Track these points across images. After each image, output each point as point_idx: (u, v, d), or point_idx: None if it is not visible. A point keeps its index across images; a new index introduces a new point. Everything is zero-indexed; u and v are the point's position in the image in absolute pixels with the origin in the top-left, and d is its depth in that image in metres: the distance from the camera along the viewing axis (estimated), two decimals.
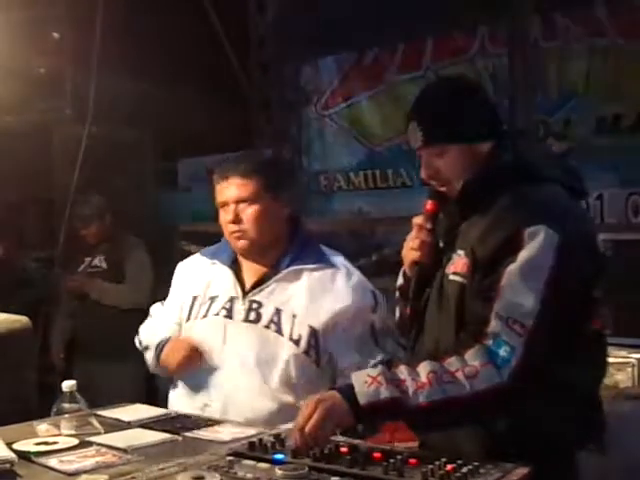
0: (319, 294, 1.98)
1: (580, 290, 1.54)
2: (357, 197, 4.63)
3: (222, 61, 4.60)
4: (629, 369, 2.98)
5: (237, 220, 1.98)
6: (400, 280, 1.79)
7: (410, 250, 1.69)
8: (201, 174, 4.99)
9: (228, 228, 2.01)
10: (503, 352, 1.46)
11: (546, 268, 1.47)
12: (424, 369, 1.49)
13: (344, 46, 4.55)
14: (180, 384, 2.11)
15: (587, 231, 1.60)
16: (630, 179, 3.61)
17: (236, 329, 2.00)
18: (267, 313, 1.98)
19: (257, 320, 1.98)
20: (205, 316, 2.05)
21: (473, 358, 1.47)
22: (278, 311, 1.97)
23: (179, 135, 4.62)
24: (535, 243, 1.48)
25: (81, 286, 3.84)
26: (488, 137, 1.63)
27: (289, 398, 1.96)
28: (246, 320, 1.99)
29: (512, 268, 1.48)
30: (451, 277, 1.60)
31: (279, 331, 1.97)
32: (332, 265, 2.02)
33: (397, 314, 1.83)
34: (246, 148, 4.66)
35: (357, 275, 2.03)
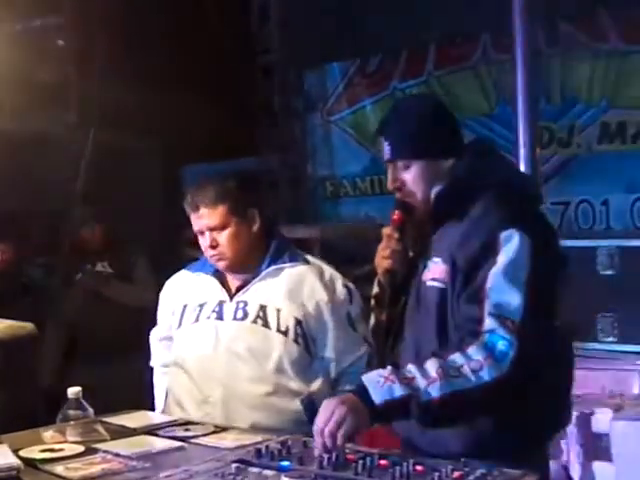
0: (298, 289, 2.14)
1: (551, 286, 1.67)
2: (363, 203, 4.63)
3: (227, 67, 4.61)
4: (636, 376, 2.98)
5: (214, 246, 2.13)
6: (375, 288, 1.88)
7: (382, 259, 1.80)
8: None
9: (207, 252, 2.16)
10: (501, 346, 1.56)
11: (523, 268, 1.60)
12: (432, 366, 1.56)
13: (348, 52, 4.56)
14: (178, 384, 2.18)
15: (551, 232, 1.75)
16: (635, 184, 3.61)
17: (226, 327, 2.13)
18: (253, 310, 2.13)
19: (244, 317, 2.13)
20: (197, 320, 2.18)
21: (475, 353, 1.56)
22: (262, 307, 2.12)
23: (184, 142, 4.63)
24: (511, 246, 1.61)
25: (99, 286, 3.85)
26: (451, 153, 1.76)
27: (284, 381, 2.09)
28: (234, 319, 2.14)
29: (494, 271, 1.61)
30: (429, 283, 1.71)
31: (266, 325, 2.11)
32: (307, 262, 2.19)
33: (372, 321, 1.92)
34: (251, 154, 4.67)
35: (329, 270, 2.19)
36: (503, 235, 1.62)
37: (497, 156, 1.84)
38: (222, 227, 2.11)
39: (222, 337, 2.12)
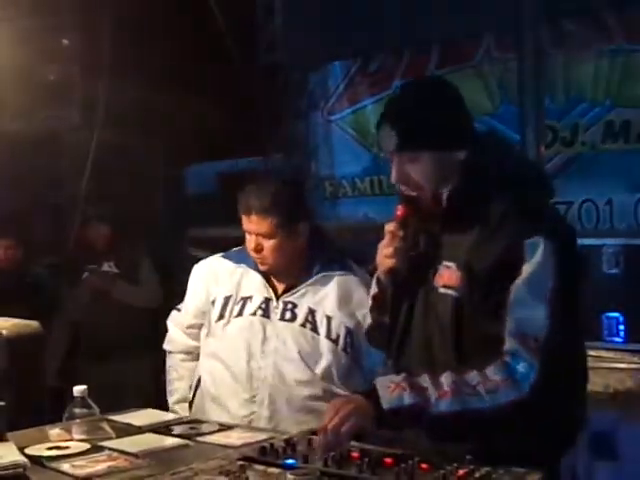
0: (348, 299, 2.15)
1: (576, 296, 1.57)
2: (362, 203, 4.62)
3: (230, 67, 4.61)
4: None
5: (257, 250, 2.15)
6: (374, 289, 1.78)
7: (385, 258, 1.68)
8: (210, 180, 5.00)
9: (251, 253, 2.17)
10: (522, 368, 1.48)
11: (550, 280, 1.49)
12: (446, 379, 1.51)
13: (350, 52, 4.55)
14: (218, 380, 2.17)
15: (573, 234, 1.62)
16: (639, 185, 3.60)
17: (274, 327, 2.14)
18: (302, 313, 2.14)
19: (293, 319, 2.14)
20: (240, 314, 2.18)
21: (493, 373, 1.49)
22: (312, 311, 2.14)
23: (188, 141, 4.64)
24: (537, 256, 1.49)
25: (105, 286, 3.86)
26: (463, 145, 1.60)
27: (331, 386, 2.11)
28: (282, 319, 2.15)
29: (519, 283, 1.50)
30: (441, 290, 1.61)
31: (315, 329, 2.13)
32: (355, 273, 2.19)
33: (368, 323, 1.85)
34: (254, 154, 4.67)
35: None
36: (528, 243, 1.50)
37: (510, 149, 1.73)
38: (269, 236, 2.12)
39: (270, 336, 2.13)
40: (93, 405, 1.84)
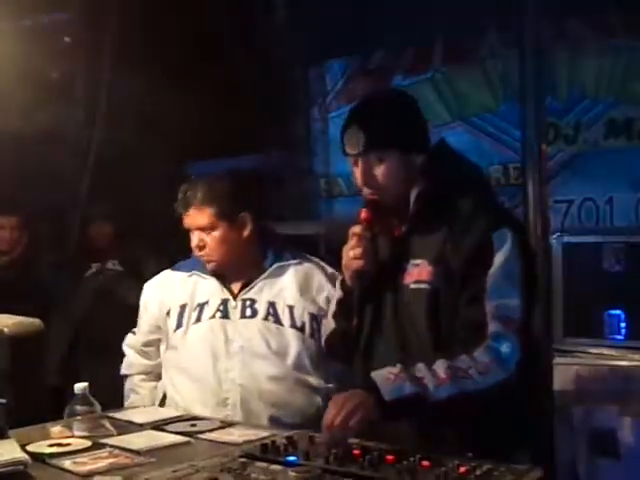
0: (307, 285, 2.15)
1: (536, 282, 1.73)
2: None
3: (231, 65, 4.61)
4: None
5: (200, 246, 2.12)
6: (339, 293, 1.82)
7: (352, 260, 1.73)
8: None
9: (195, 252, 2.15)
10: (505, 348, 1.58)
11: (518, 266, 1.64)
12: (440, 366, 1.56)
13: (350, 48, 4.53)
14: (186, 389, 2.14)
15: (523, 225, 1.85)
16: None
17: (236, 326, 2.11)
18: (262, 307, 2.11)
19: (254, 315, 2.11)
20: (198, 320, 2.14)
21: (482, 356, 1.58)
22: (272, 304, 2.12)
23: (190, 138, 4.63)
24: (506, 246, 1.63)
25: (109, 284, 3.86)
26: (422, 149, 1.74)
27: (303, 377, 2.09)
28: (243, 317, 2.11)
29: (493, 272, 1.62)
30: (413, 286, 1.68)
31: (278, 321, 2.10)
32: (309, 260, 2.20)
33: (330, 329, 1.86)
34: (255, 151, 4.66)
35: (329, 268, 2.20)
36: (496, 235, 1.64)
37: (461, 156, 1.83)
38: (210, 228, 2.09)
39: (233, 336, 2.09)
40: (94, 402, 1.85)
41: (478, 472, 1.44)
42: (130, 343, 2.33)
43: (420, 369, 1.56)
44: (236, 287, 2.16)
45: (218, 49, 4.55)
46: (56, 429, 1.82)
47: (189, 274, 2.20)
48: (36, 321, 2.27)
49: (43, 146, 4.27)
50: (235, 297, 2.14)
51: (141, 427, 1.90)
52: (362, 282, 1.72)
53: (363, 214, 1.74)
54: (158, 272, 3.97)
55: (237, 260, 2.13)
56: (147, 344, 2.27)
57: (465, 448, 1.53)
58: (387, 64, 4.46)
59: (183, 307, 2.16)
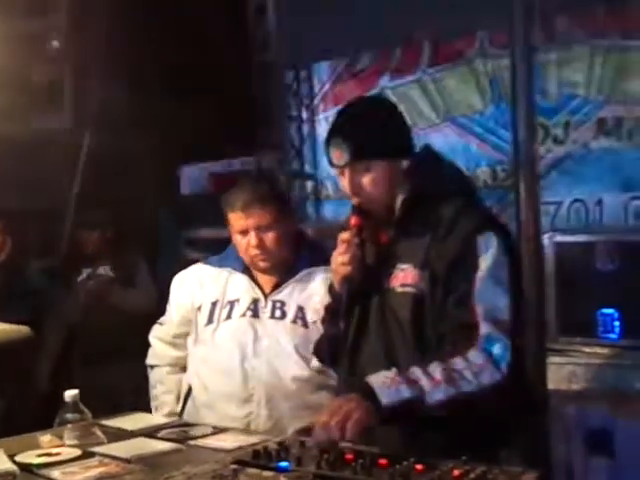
0: None
1: (521, 283, 1.75)
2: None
3: (222, 66, 4.59)
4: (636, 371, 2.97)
5: (261, 246, 2.13)
6: (326, 298, 1.84)
7: (341, 266, 1.74)
8: (203, 181, 4.97)
9: (250, 252, 2.15)
10: (497, 349, 1.59)
11: (505, 269, 1.65)
12: (436, 368, 1.57)
13: (338, 50, 4.52)
14: (211, 383, 2.15)
15: (508, 228, 1.80)
16: (630, 183, 3.57)
17: (265, 326, 2.14)
18: (291, 310, 2.14)
19: (283, 317, 2.14)
20: (229, 317, 2.17)
21: (475, 357, 1.58)
22: (301, 308, 2.14)
23: (180, 142, 4.62)
24: (492, 249, 1.65)
25: (101, 290, 3.84)
26: (407, 155, 1.75)
27: (326, 380, 2.09)
28: (272, 317, 2.14)
29: (480, 275, 1.63)
30: (399, 289, 1.69)
31: (305, 325, 2.12)
32: None
33: (319, 335, 1.88)
34: (245, 153, 4.66)
35: None
36: (481, 238, 1.65)
37: (449, 161, 1.84)
38: (270, 228, 2.11)
39: (262, 335, 2.12)
40: (85, 410, 1.83)
41: (472, 475, 1.43)
42: (158, 335, 2.34)
43: (416, 371, 1.56)
44: (267, 287, 2.18)
45: (206, 51, 4.54)
46: (46, 438, 1.80)
47: (220, 270, 2.22)
48: (24, 328, 2.25)
49: (32, 150, 4.25)
50: (266, 297, 2.16)
51: (132, 434, 1.88)
52: (350, 288, 1.73)
53: (353, 220, 1.75)
54: (151, 277, 3.99)
55: (285, 259, 2.17)
56: (177, 336, 2.28)
57: (459, 450, 1.52)
58: (374, 66, 4.44)
59: (214, 304, 2.19)
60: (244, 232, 2.13)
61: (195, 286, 2.24)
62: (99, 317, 3.84)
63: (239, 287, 2.18)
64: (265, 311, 2.15)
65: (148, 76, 4.26)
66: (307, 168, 4.77)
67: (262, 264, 2.15)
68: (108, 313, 3.83)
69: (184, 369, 2.28)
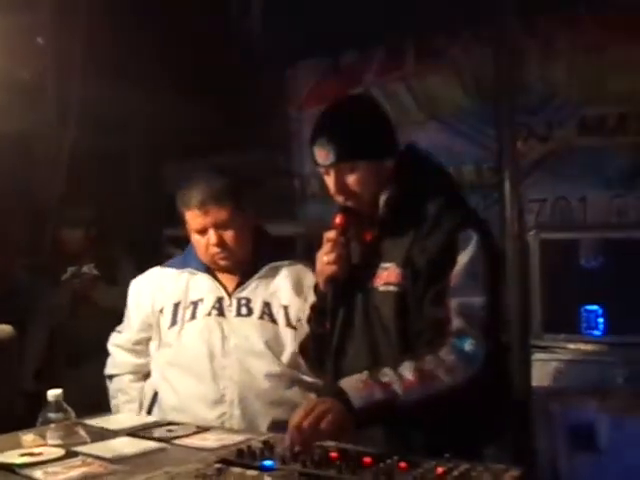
0: (300, 286, 2.15)
1: (501, 282, 1.77)
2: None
3: (210, 64, 4.58)
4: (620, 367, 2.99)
5: (221, 244, 2.11)
6: (311, 298, 1.85)
7: (326, 265, 1.74)
8: (187, 178, 4.95)
9: (210, 250, 2.12)
10: (470, 345, 1.60)
11: (482, 265, 1.66)
12: (407, 369, 1.56)
13: (323, 49, 4.52)
14: (181, 386, 2.13)
15: (489, 226, 1.80)
16: (614, 180, 3.59)
17: (231, 324, 2.12)
18: (257, 306, 2.12)
19: (249, 314, 2.12)
20: (193, 317, 2.14)
21: (447, 354, 1.59)
22: (267, 304, 2.13)
23: (164, 139, 4.60)
24: (470, 247, 1.65)
25: (85, 288, 3.82)
26: (392, 154, 1.75)
27: (299, 375, 2.10)
28: (239, 315, 2.12)
29: (457, 271, 1.64)
30: (382, 288, 1.70)
31: (274, 321, 2.12)
32: (299, 261, 2.21)
33: (304, 335, 1.90)
34: (232, 151, 4.64)
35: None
36: (462, 236, 1.66)
37: (433, 160, 1.85)
38: (228, 225, 2.09)
39: (229, 333, 2.10)
40: (69, 409, 1.82)
41: (456, 473, 1.43)
42: (117, 342, 2.30)
43: (387, 373, 1.56)
44: (230, 285, 2.16)
45: (193, 50, 4.52)
46: (28, 437, 1.78)
47: (181, 271, 2.20)
48: (7, 328, 2.23)
49: (15, 149, 4.21)
50: (230, 295, 2.14)
51: (116, 434, 1.87)
52: (335, 287, 1.73)
53: (338, 219, 1.75)
54: (135, 275, 3.97)
55: (245, 256, 2.15)
56: (138, 342, 2.25)
57: (442, 449, 1.52)
58: (359, 65, 4.44)
59: (177, 305, 2.16)
60: (202, 231, 2.11)
61: (155, 289, 2.21)
62: (83, 316, 3.82)
63: (202, 287, 2.16)
64: (231, 309, 2.13)
65: (132, 74, 4.24)
66: (293, 166, 4.75)
67: (223, 262, 2.13)
68: (92, 311, 3.81)
69: (145, 377, 2.24)
